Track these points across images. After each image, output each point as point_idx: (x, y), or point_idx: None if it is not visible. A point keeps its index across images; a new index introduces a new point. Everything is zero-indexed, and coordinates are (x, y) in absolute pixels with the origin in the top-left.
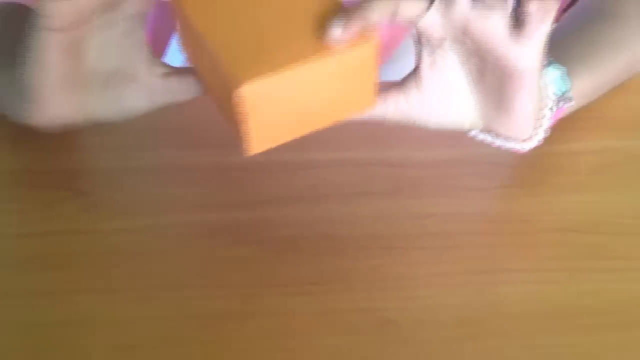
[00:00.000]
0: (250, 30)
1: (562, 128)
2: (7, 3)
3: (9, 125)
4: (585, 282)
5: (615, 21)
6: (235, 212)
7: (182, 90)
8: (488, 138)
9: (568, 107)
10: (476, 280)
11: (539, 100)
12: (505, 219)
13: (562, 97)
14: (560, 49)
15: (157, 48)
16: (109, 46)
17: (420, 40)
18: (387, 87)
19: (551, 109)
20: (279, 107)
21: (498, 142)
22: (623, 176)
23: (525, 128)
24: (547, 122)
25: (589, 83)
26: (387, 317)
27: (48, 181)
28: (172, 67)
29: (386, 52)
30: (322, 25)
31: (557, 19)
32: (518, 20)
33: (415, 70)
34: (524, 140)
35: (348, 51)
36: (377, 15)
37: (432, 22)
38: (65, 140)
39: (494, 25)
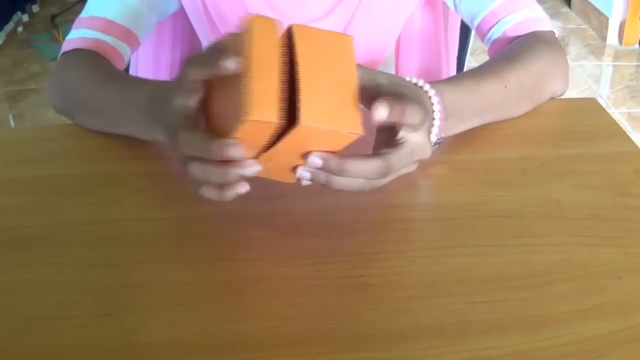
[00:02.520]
0: (324, 89)
1: (493, 140)
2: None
3: (86, 140)
4: (512, 254)
5: (526, 65)
6: (252, 204)
7: None
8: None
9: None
10: (432, 253)
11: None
12: (453, 208)
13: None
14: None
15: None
16: None
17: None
18: None
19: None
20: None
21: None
22: (539, 176)
23: None
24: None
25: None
26: (366, 282)
27: (115, 181)
28: None
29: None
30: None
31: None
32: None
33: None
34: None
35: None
36: (404, 119)
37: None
38: (127, 151)
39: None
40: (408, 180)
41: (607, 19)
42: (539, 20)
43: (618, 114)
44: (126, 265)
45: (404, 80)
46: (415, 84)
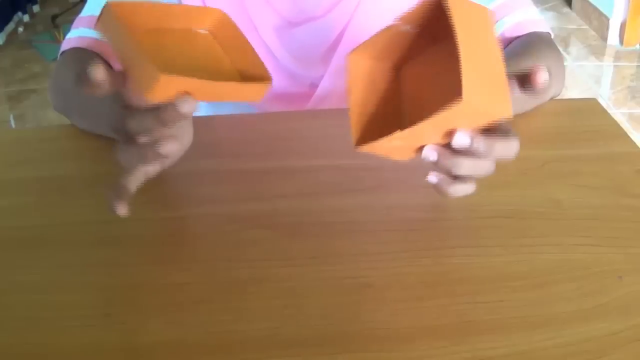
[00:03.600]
0: (481, 66)
1: None
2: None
3: (90, 141)
4: (513, 254)
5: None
6: (253, 204)
7: None
8: None
9: None
10: (432, 254)
11: None
12: (454, 208)
13: None
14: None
15: None
16: None
17: None
18: None
19: None
20: None
21: None
22: (540, 177)
23: None
24: None
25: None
26: (366, 282)
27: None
28: None
29: None
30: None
31: None
32: None
33: None
34: None
35: None
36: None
37: None
38: None
39: None
40: (408, 181)
41: (608, 19)
42: (536, 21)
43: (619, 115)
44: (127, 266)
45: None
46: None
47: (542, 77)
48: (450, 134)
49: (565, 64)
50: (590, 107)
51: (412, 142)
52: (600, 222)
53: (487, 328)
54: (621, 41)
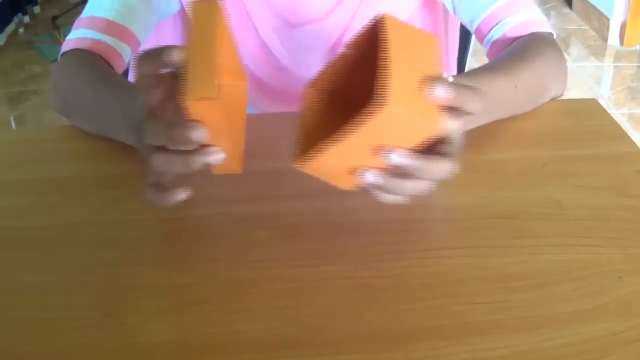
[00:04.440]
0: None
1: (494, 142)
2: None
3: (87, 142)
4: (513, 255)
5: (532, 65)
6: (254, 205)
7: None
8: None
9: None
10: (433, 254)
11: None
12: (455, 209)
13: None
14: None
15: None
16: None
17: None
18: None
19: None
20: None
21: None
22: (540, 177)
23: None
24: None
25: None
26: (367, 283)
27: (117, 183)
28: None
29: None
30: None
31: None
32: None
33: None
34: None
35: None
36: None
37: None
38: (128, 152)
39: None
40: None
41: (608, 19)
42: (539, 21)
43: (619, 115)
44: (127, 267)
45: None
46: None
47: (436, 92)
48: (384, 154)
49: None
50: (590, 108)
51: (348, 161)
52: (601, 223)
53: (488, 328)
54: (621, 42)
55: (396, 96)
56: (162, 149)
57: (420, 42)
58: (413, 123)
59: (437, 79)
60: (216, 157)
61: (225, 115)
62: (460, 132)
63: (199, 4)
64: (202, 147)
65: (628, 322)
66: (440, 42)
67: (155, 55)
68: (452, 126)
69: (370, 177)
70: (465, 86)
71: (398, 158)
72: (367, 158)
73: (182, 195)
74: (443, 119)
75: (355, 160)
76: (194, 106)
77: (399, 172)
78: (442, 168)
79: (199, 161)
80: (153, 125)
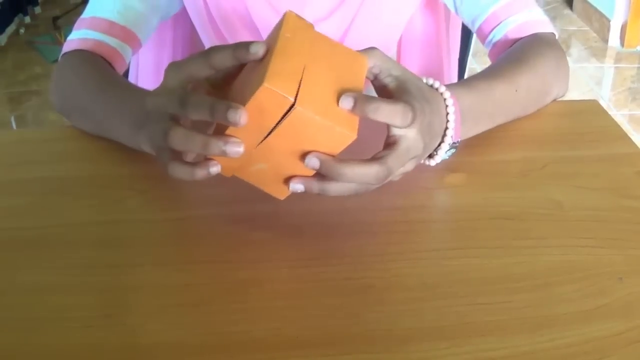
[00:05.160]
0: (327, 87)
1: (495, 143)
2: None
3: (88, 142)
4: (514, 256)
5: (532, 68)
6: (254, 206)
7: None
8: None
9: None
10: (433, 255)
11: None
12: (455, 210)
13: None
14: (487, 84)
15: None
16: None
17: None
18: None
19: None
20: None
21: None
22: (540, 178)
23: None
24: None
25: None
26: (367, 283)
27: (117, 183)
28: None
29: None
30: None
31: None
32: None
33: None
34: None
35: None
36: (392, 121)
37: None
38: (129, 153)
39: None
40: (410, 183)
41: (609, 21)
42: (541, 22)
43: (619, 116)
44: (128, 267)
45: (419, 80)
46: (432, 86)
47: (341, 103)
48: (301, 157)
49: None
50: (591, 109)
51: (273, 167)
52: (601, 224)
53: (488, 329)
54: (622, 43)
55: (305, 99)
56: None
57: (347, 59)
58: (324, 126)
59: (354, 91)
60: (235, 148)
61: (287, 135)
62: (411, 139)
63: (293, 16)
64: (225, 135)
65: (629, 323)
66: (440, 42)
67: (234, 45)
68: (399, 133)
69: (302, 186)
70: (390, 102)
71: (314, 161)
72: (293, 165)
73: (214, 168)
74: (356, 127)
75: (280, 166)
76: (264, 94)
77: (328, 177)
78: (366, 172)
79: (217, 146)
80: (196, 97)
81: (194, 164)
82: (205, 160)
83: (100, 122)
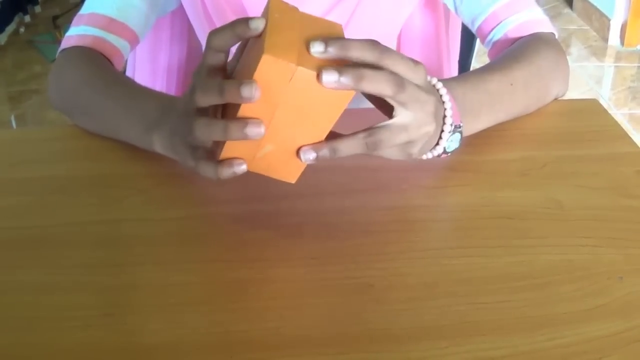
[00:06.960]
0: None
1: (495, 142)
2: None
3: (88, 141)
4: (514, 255)
5: (528, 64)
6: (255, 205)
7: None
8: None
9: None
10: (433, 254)
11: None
12: (455, 209)
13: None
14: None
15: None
16: None
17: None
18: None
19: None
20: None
21: None
22: (541, 177)
23: None
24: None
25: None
26: (367, 282)
27: (117, 182)
28: None
29: None
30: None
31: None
32: None
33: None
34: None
35: None
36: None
37: None
38: (129, 152)
39: None
40: (410, 182)
41: (609, 20)
42: (541, 22)
43: (619, 115)
44: (128, 266)
45: None
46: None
47: (322, 78)
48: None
49: None
50: (591, 108)
51: (281, 146)
52: (601, 223)
53: (488, 329)
54: (622, 42)
55: (305, 61)
56: (204, 114)
57: (327, 28)
58: (322, 92)
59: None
60: (255, 129)
61: (293, 105)
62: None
63: (277, 1)
64: (244, 118)
65: (629, 323)
66: (440, 43)
67: (233, 24)
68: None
69: (313, 153)
70: (368, 41)
71: (311, 153)
72: (301, 135)
73: (241, 167)
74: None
75: (291, 142)
76: (267, 64)
77: (330, 140)
78: (354, 144)
79: (238, 128)
80: (206, 82)
81: (221, 161)
82: (229, 160)
83: (105, 121)
